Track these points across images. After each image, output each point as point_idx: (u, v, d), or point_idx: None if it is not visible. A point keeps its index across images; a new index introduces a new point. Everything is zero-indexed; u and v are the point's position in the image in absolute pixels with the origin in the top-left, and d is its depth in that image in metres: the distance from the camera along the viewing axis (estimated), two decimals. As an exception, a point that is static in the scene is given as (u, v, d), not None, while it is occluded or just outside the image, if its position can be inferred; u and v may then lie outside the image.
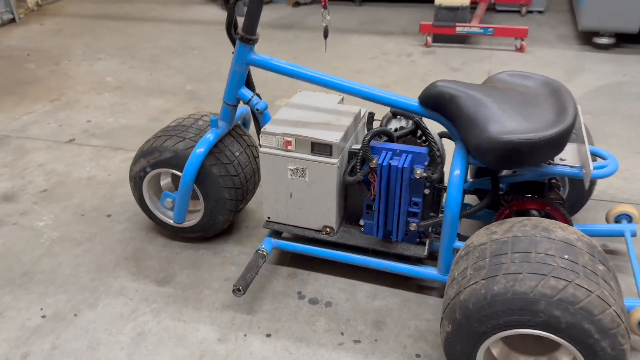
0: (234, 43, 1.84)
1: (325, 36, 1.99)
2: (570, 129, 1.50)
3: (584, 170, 1.57)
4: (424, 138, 1.84)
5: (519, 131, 1.48)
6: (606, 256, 1.39)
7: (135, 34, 4.56)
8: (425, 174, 1.67)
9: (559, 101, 1.62)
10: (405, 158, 1.68)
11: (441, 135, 1.97)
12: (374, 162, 1.68)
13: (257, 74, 3.67)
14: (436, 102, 1.65)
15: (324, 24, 2.00)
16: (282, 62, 1.79)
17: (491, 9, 4.94)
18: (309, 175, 1.78)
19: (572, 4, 4.75)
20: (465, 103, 1.59)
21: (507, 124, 1.52)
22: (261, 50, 4.12)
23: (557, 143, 1.49)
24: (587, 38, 4.15)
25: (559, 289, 1.21)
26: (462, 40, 4.23)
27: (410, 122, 1.89)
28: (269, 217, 1.92)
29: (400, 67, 3.79)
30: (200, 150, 1.89)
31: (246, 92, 1.87)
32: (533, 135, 1.46)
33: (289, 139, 1.76)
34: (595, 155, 1.76)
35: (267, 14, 5.06)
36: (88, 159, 2.76)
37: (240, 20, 1.69)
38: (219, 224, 2.04)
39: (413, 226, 1.75)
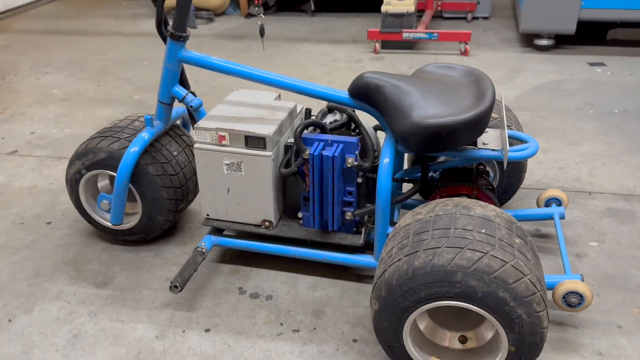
0: (165, 40, 1.85)
1: (262, 34, 2.02)
2: (487, 112, 1.56)
3: (503, 152, 1.63)
4: (357, 130, 1.88)
5: (438, 116, 1.53)
6: (525, 231, 1.44)
7: (84, 48, 4.52)
8: (356, 163, 1.71)
9: (478, 88, 1.68)
10: (337, 148, 1.72)
11: (376, 128, 2.02)
12: (306, 153, 1.71)
13: (209, 80, 3.68)
14: (364, 92, 1.69)
15: (259, 22, 2.03)
16: (214, 59, 1.82)
17: (438, 16, 5.09)
18: (244, 169, 1.80)
19: (515, 9, 4.94)
20: (390, 92, 1.64)
21: (428, 110, 1.57)
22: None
23: (474, 126, 1.55)
24: (529, 40, 4.31)
25: (475, 260, 1.25)
26: (410, 46, 4.33)
27: (345, 115, 1.93)
28: (207, 214, 1.92)
29: (350, 72, 3.86)
30: (134, 149, 1.89)
31: (180, 90, 1.88)
32: (451, 119, 1.51)
33: (222, 133, 1.77)
34: (517, 139, 1.83)
35: (219, 25, 5.09)
36: (30, 168, 2.71)
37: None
38: (158, 225, 2.03)
39: (348, 215, 1.78)
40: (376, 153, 1.84)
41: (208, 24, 5.13)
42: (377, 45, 4.22)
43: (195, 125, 1.80)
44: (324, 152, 1.70)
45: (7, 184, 2.58)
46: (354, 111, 1.88)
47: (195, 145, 1.81)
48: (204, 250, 1.86)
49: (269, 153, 1.75)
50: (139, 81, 3.79)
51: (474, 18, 5.01)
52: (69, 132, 3.08)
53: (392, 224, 1.87)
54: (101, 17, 5.44)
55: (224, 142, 1.78)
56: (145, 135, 1.91)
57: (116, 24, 5.20)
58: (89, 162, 1.95)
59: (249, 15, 5.32)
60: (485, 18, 5.01)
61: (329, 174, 1.72)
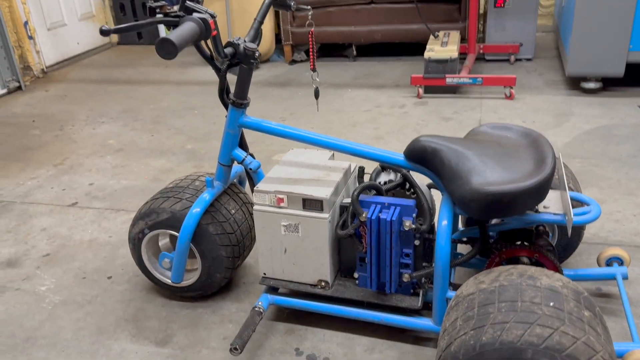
0: (226, 107, 1.93)
1: (316, 97, 2.09)
2: (549, 178, 1.55)
3: (567, 218, 1.61)
4: (412, 190, 1.90)
5: (499, 182, 1.54)
6: (593, 301, 1.41)
7: (137, 97, 4.72)
8: (414, 226, 1.72)
9: (538, 151, 1.68)
10: (394, 211, 1.73)
11: (430, 186, 2.03)
12: (363, 215, 1.73)
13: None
14: (420, 156, 1.72)
15: (314, 85, 2.10)
16: (272, 123, 1.88)
17: (480, 58, 5.11)
18: (301, 231, 1.83)
19: (559, 50, 4.92)
20: (448, 156, 1.66)
21: (488, 176, 1.58)
22: (259, 107, 4.25)
23: (537, 192, 1.55)
24: (575, 83, 4.27)
25: (545, 336, 1.23)
26: (453, 90, 4.36)
27: (399, 175, 1.96)
28: (264, 273, 1.95)
29: (393, 118, 3.90)
30: (196, 210, 1.95)
31: (240, 153, 1.95)
32: (513, 186, 1.52)
33: (281, 196, 1.82)
34: (578, 201, 1.80)
35: (264, 72, 5.25)
36: (90, 221, 2.82)
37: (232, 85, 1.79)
38: (216, 282, 2.08)
39: (406, 277, 1.78)
40: (432, 211, 1.85)
41: (254, 71, 5.29)
42: (421, 90, 4.26)
43: (255, 188, 1.85)
44: (382, 216, 1.72)
45: (69, 236, 2.69)
46: (408, 171, 1.90)
47: (255, 207, 1.86)
48: (261, 310, 1.88)
49: (326, 215, 1.78)
50: (190, 131, 3.93)
51: (517, 60, 5.01)
52: (125, 184, 3.20)
53: (450, 284, 1.86)
54: (151, 66, 5.68)
55: (282, 205, 1.83)
56: (206, 196, 1.98)
57: (166, 72, 5.43)
58: (152, 222, 2.02)
59: (293, 62, 5.47)
60: (528, 60, 5.00)
61: (387, 237, 1.73)
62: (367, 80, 4.80)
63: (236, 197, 2.14)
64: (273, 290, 1.98)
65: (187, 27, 1.48)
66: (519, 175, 1.57)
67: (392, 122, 3.83)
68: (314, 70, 2.05)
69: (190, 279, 2.09)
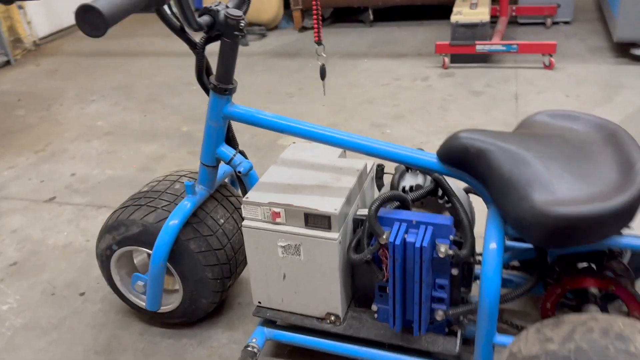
0: (207, 92, 1.52)
1: (322, 77, 1.66)
2: (644, 194, 1.12)
3: (665, 245, 1.18)
4: (447, 199, 1.47)
5: (575, 200, 1.11)
6: None
7: (131, 71, 4.30)
8: (451, 252, 1.30)
9: (620, 151, 1.24)
10: (425, 232, 1.32)
11: (468, 190, 1.61)
12: (383, 237, 1.32)
13: (261, 106, 3.34)
14: (460, 158, 1.29)
15: (319, 63, 1.67)
16: (265, 114, 1.46)
17: (513, 22, 4.56)
18: (304, 253, 1.43)
19: (604, 13, 4.35)
20: (498, 160, 1.23)
21: (557, 189, 1.15)
22: (264, 82, 3.81)
23: (627, 213, 1.11)
24: (623, 50, 3.73)
25: None
26: (483, 59, 3.85)
27: (429, 178, 1.53)
28: (259, 302, 1.56)
29: (416, 93, 3.43)
30: (174, 222, 1.56)
31: (226, 150, 1.54)
32: (595, 206, 1.09)
33: (277, 209, 1.41)
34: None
35: (272, 40, 4.77)
36: (67, 220, 2.45)
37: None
38: (202, 308, 1.70)
39: (439, 315, 1.37)
40: (473, 228, 1.42)
41: (260, 39, 4.83)
42: (447, 60, 3.77)
43: (244, 199, 1.45)
44: (408, 238, 1.31)
45: (41, 241, 2.32)
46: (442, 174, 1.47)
47: (244, 222, 1.46)
48: (255, 350, 1.50)
49: (335, 235, 1.38)
50: (187, 110, 3.51)
51: (554, 23, 4.46)
52: (110, 174, 2.82)
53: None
54: (149, 36, 5.23)
55: (278, 220, 1.42)
56: (186, 205, 1.58)
57: (165, 43, 4.98)
58: (121, 237, 1.64)
59: (303, 29, 4.98)
60: (566, 23, 4.44)
61: (415, 266, 1.32)
62: (386, 49, 4.31)
63: (226, 203, 1.74)
64: (271, 322, 1.60)
65: None
66: (600, 187, 1.14)
67: (414, 97, 3.37)
68: (319, 43, 1.61)
69: (170, 304, 1.71)
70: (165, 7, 1.29)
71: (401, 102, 3.32)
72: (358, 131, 3.00)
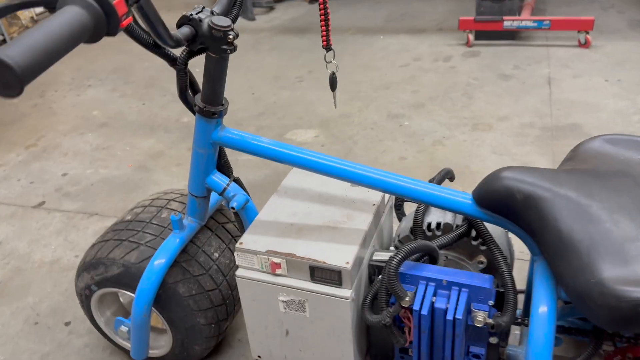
0: (193, 112, 1.27)
1: (333, 87, 1.39)
2: None
3: None
4: (482, 243, 1.22)
5: (660, 281, 0.85)
6: None
7: (131, 52, 4.03)
8: (491, 321, 1.06)
9: None
10: (458, 296, 1.07)
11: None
12: (406, 300, 1.08)
13: (268, 93, 3.08)
14: (502, 203, 1.04)
15: (329, 71, 1.40)
16: (263, 140, 1.21)
17: (542, -9, 4.18)
18: (310, 310, 1.20)
19: (644, -22, 3.94)
20: (554, 211, 0.97)
21: (632, 257, 0.89)
22: (270, 64, 3.52)
23: None
24: (669, 23, 3.37)
25: None
26: (511, 36, 3.51)
27: (458, 216, 1.28)
28: (259, 357, 1.35)
29: (437, 76, 3.13)
30: (159, 262, 1.33)
31: (218, 180, 1.30)
32: (688, 292, 0.83)
33: (276, 259, 1.17)
34: None
35: (280, 14, 4.45)
36: (56, 231, 2.25)
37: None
38: (196, 355, 1.49)
39: (472, 387, 1.14)
40: (514, 281, 1.18)
41: (268, 13, 4.50)
42: (471, 37, 3.44)
43: (237, 245, 1.21)
44: (437, 304, 1.07)
45: (27, 255, 2.13)
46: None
47: (238, 272, 1.23)
48: (255, 414, 1.30)
49: (347, 292, 1.14)
50: (188, 97, 3.25)
51: (589, -9, 4.06)
52: (104, 174, 2.59)
53: None
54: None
55: (278, 272, 1.19)
56: (174, 241, 1.35)
57: (167, 17, 4.66)
58: (100, 277, 1.42)
59: (313, 0, 4.63)
60: (603, -9, 4.05)
61: (446, 341, 1.09)
62: (403, 23, 3.97)
63: (221, 232, 1.51)
64: (273, 378, 1.39)
65: (53, 25, 0.71)
66: (690, 260, 0.88)
67: (435, 81, 3.07)
68: (328, 48, 1.34)
69: (160, 349, 1.51)
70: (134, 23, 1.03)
71: (421, 87, 3.03)
72: (373, 123, 2.73)
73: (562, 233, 0.96)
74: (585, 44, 3.24)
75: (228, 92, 3.23)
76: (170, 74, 3.60)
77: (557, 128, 2.53)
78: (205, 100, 1.18)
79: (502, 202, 1.04)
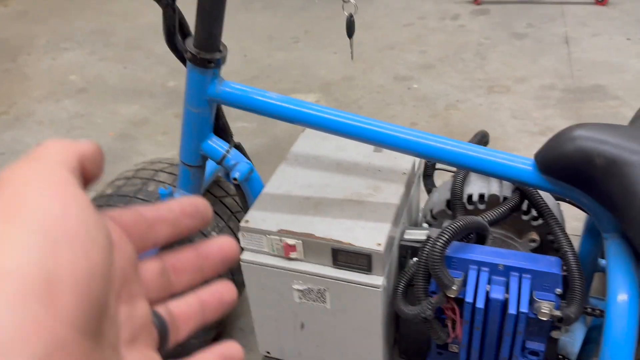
0: (183, 61, 1.04)
1: (350, 33, 1.16)
2: None
3: None
4: (536, 217, 1.02)
5: None
6: None
7: (112, 12, 3.72)
8: (558, 313, 0.86)
9: None
10: (520, 284, 0.87)
11: (558, 199, 1.15)
12: (453, 289, 0.88)
13: (262, 55, 2.82)
14: (575, 170, 0.84)
15: (346, 13, 1.17)
16: (271, 96, 0.98)
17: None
18: (331, 301, 0.99)
19: None
20: (645, 179, 0.77)
21: None
22: (262, 24, 3.25)
23: None
24: (691, -22, 3.14)
25: None
26: (523, -8, 3.27)
27: (504, 183, 1.08)
28: (268, 353, 1.15)
29: (445, 35, 2.89)
30: (147, 244, 1.11)
31: (216, 145, 1.08)
32: None
33: (290, 241, 0.96)
34: None
35: (272, -27, 4.14)
36: (30, 207, 2.01)
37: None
38: (192, 349, 1.28)
39: (527, 389, 0.96)
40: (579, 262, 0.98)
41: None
42: (479, -6, 3.20)
43: (241, 224, 0.99)
44: (493, 294, 0.87)
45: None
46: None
47: (243, 255, 1.01)
48: (264, 420, 1.10)
49: (378, 280, 0.93)
50: (175, 59, 2.97)
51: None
52: (83, 144, 2.35)
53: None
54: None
55: (293, 255, 0.97)
56: (160, 219, 1.13)
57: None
58: (75, 262, 1.20)
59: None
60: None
61: (505, 338, 0.89)
62: (405, -19, 3.70)
63: (219, 207, 1.30)
64: (284, 377, 1.19)
65: None
66: None
67: (443, 41, 2.83)
68: (346, -17, 1.11)
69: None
70: None
71: (429, 47, 2.79)
72: (379, 86, 2.50)
73: (658, 206, 0.76)
74: (602, 1, 3.01)
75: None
76: (155, 35, 3.31)
77: (580, 90, 2.32)
78: (198, 45, 0.95)
79: (575, 168, 0.83)
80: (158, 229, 0.31)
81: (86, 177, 0.27)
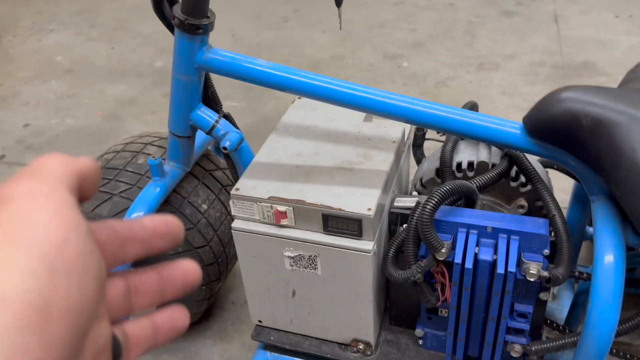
0: (171, 28, 1.03)
1: (339, 2, 1.15)
2: None
3: None
4: (525, 183, 1.03)
5: None
6: None
7: (98, -8, 3.66)
8: (546, 274, 0.87)
9: None
10: (508, 245, 0.88)
11: (546, 165, 1.16)
12: (442, 251, 0.89)
13: (250, 34, 2.80)
14: (562, 131, 0.84)
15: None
16: (260, 62, 0.98)
17: None
18: (322, 267, 1.00)
19: None
20: (632, 139, 0.78)
21: None
22: (250, 2, 3.22)
23: None
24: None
25: None
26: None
27: (493, 149, 1.08)
28: (260, 321, 1.16)
29: (435, 13, 2.88)
30: (136, 215, 1.11)
31: (205, 115, 1.07)
32: None
33: (281, 207, 0.96)
34: None
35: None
36: (18, 186, 1.99)
37: None
38: (185, 321, 1.29)
39: (516, 351, 0.97)
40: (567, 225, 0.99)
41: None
42: (468, -27, 3.18)
43: (232, 192, 0.99)
44: (482, 255, 0.88)
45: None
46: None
47: (235, 224, 1.02)
48: (257, 387, 1.12)
49: (369, 245, 0.94)
50: (162, 39, 2.95)
51: None
52: (70, 124, 2.33)
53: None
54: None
55: (284, 222, 0.98)
56: (154, 191, 1.13)
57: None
58: (65, 234, 1.20)
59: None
60: None
61: (494, 298, 0.90)
62: (394, -40, 3.67)
63: (209, 180, 1.30)
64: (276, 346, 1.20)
65: None
66: None
67: (433, 19, 2.82)
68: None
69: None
70: None
71: (418, 25, 2.78)
72: (369, 64, 2.49)
73: (642, 164, 0.77)
74: (591, -22, 3.01)
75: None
76: (141, 15, 3.27)
77: (569, 66, 2.33)
78: (186, 10, 0.94)
79: (562, 129, 0.84)
80: (129, 247, 0.30)
81: (82, 195, 0.28)
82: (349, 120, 1.14)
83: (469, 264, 0.86)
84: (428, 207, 0.87)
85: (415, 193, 1.14)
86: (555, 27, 2.62)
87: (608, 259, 0.85)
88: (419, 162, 1.24)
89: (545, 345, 0.95)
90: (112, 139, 2.19)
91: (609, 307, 0.84)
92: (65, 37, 3.12)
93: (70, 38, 3.10)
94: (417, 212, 0.91)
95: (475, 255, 0.88)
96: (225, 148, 1.05)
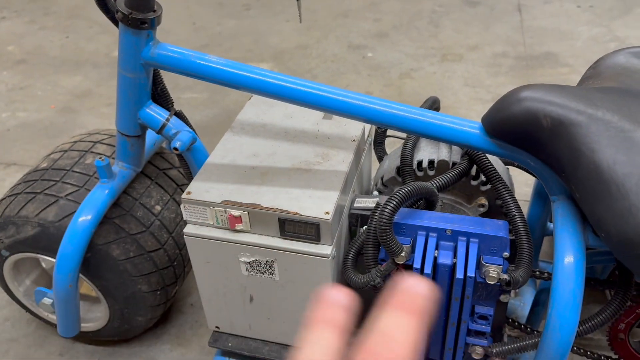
0: (115, 22, 0.97)
1: (296, -5, 1.10)
2: None
3: None
4: (486, 182, 1.02)
5: None
6: None
7: (51, -22, 3.50)
8: (506, 277, 0.86)
9: None
10: (467, 248, 0.86)
11: (507, 163, 1.15)
12: (402, 255, 0.87)
13: (212, 22, 2.72)
14: (522, 132, 0.83)
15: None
16: (210, 58, 0.93)
17: None
18: (279, 272, 0.96)
19: None
20: (591, 140, 0.77)
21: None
22: (214, -10, 3.12)
23: None
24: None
25: None
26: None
27: (453, 148, 1.06)
28: (217, 327, 1.12)
29: (400, 3, 2.85)
30: (84, 219, 1.06)
31: (155, 113, 1.02)
32: None
33: (235, 212, 0.92)
34: None
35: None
36: (-36, 185, 1.90)
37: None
38: (139, 327, 1.25)
39: (478, 353, 0.96)
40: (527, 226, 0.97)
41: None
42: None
43: (183, 196, 0.95)
44: (441, 259, 0.85)
45: None
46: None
47: (187, 229, 0.97)
48: (215, 396, 1.08)
49: (327, 250, 0.91)
50: (120, 28, 2.84)
51: None
52: (22, 118, 2.22)
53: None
54: None
55: (239, 227, 0.94)
56: (102, 193, 1.07)
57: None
58: (11, 240, 1.13)
59: None
60: None
61: (453, 303, 0.88)
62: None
63: (163, 179, 1.24)
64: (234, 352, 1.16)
65: None
66: None
67: (397, 9, 2.79)
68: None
69: (94, 322, 1.25)
70: None
71: (383, 15, 2.75)
72: (333, 55, 2.45)
73: (601, 167, 0.76)
74: (554, -31, 3.02)
75: (164, 22, 2.85)
76: (98, 2, 3.14)
77: (532, 57, 2.33)
78: (130, 4, 0.88)
79: (522, 130, 0.82)
80: None
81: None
82: (308, 117, 1.10)
83: (428, 269, 0.83)
84: (387, 210, 0.84)
85: (376, 193, 1.11)
86: (518, 17, 2.63)
87: (568, 260, 0.84)
88: (380, 159, 1.21)
89: (506, 347, 0.94)
90: (66, 134, 2.10)
91: (570, 308, 0.83)
92: (17, 25, 2.98)
93: (22, 26, 2.96)
94: (376, 216, 0.88)
95: (435, 259, 0.85)
96: (176, 149, 1.00)
